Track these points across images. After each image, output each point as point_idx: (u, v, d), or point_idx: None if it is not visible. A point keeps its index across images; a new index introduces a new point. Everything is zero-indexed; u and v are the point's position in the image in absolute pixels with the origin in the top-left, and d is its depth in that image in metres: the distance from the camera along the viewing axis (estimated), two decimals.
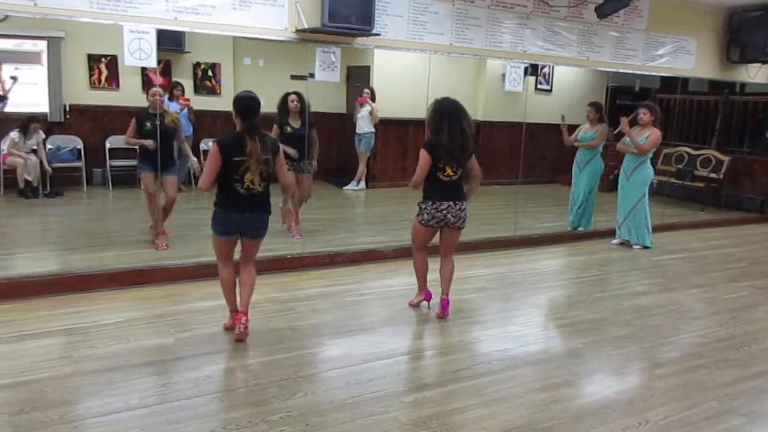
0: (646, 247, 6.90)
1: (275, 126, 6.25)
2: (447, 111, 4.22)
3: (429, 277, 4.67)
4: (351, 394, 3.33)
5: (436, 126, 4.20)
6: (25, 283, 4.59)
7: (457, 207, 4.32)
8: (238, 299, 3.99)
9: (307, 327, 4.28)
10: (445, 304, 4.49)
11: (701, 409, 3.36)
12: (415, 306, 4.66)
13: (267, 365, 3.62)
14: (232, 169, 3.67)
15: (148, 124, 5.75)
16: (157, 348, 3.79)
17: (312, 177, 6.55)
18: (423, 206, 4.37)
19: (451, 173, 4.26)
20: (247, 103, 3.75)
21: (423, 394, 3.40)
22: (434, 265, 4.59)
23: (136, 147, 5.84)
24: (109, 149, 8.39)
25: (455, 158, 4.21)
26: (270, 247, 5.84)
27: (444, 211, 4.30)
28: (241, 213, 3.78)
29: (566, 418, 3.19)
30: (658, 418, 3.24)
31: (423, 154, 4.26)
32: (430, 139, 4.27)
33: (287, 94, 6.31)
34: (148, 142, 5.70)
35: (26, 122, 7.78)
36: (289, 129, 6.26)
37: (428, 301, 4.67)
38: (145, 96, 6.37)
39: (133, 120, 5.79)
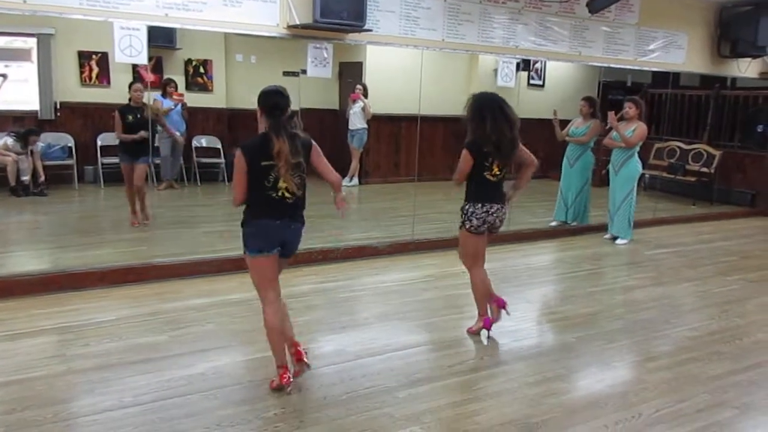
0: (627, 242, 6.91)
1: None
2: (489, 102, 3.82)
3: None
4: (345, 390, 3.34)
5: (479, 120, 3.78)
6: (17, 282, 4.57)
7: (503, 211, 3.97)
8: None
9: (301, 323, 4.27)
10: (500, 302, 4.11)
11: (693, 402, 3.38)
12: (474, 333, 4.14)
13: (260, 362, 3.61)
14: (262, 176, 3.14)
15: (130, 117, 6.19)
16: (150, 345, 3.79)
17: None
18: (471, 210, 3.91)
19: (497, 172, 3.89)
20: (274, 98, 3.23)
21: (417, 389, 3.41)
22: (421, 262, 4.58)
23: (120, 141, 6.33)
24: (101, 146, 8.34)
25: (504, 154, 3.84)
26: None
27: (494, 215, 3.92)
28: (282, 221, 3.22)
29: (559, 412, 3.21)
30: (651, 411, 3.26)
31: (465, 154, 3.85)
32: (474, 138, 3.84)
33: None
34: (142, 134, 6.18)
35: (25, 135, 7.79)
36: None
37: (488, 329, 4.10)
38: (136, 93, 6.46)
39: (117, 114, 6.07)
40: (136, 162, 6.29)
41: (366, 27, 5.45)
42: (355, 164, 9.58)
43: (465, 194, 3.98)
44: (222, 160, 8.87)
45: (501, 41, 6.53)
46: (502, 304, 4.10)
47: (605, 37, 7.20)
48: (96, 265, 4.97)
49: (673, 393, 3.47)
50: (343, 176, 9.53)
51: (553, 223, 7.47)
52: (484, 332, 4.11)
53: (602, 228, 7.24)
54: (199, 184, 8.81)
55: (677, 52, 7.82)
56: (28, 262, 5.41)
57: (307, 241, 5.91)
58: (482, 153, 3.83)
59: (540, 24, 6.72)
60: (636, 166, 6.77)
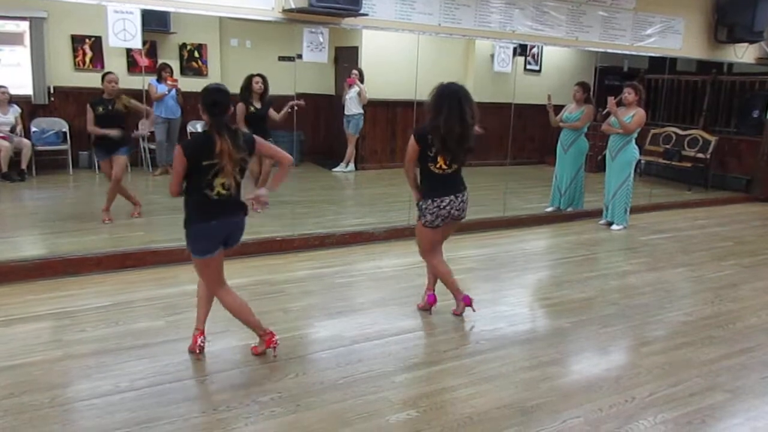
0: (623, 228, 6.93)
1: (240, 104, 6.56)
2: (449, 94, 3.78)
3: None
4: (342, 374, 3.36)
5: (434, 111, 3.78)
6: (12, 267, 4.57)
7: (459, 200, 3.97)
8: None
9: (298, 309, 4.29)
10: (468, 300, 4.17)
11: (686, 385, 3.42)
12: (458, 315, 4.22)
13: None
14: (202, 175, 3.16)
15: (101, 109, 5.91)
16: (147, 331, 3.79)
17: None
18: (423, 206, 3.97)
19: (444, 166, 3.87)
20: (213, 96, 3.20)
21: (413, 373, 3.43)
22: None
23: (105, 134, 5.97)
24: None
25: (449, 148, 3.80)
26: (260, 229, 5.85)
27: (447, 208, 3.94)
28: (220, 220, 3.27)
29: (554, 396, 3.23)
30: (645, 394, 3.29)
31: (411, 142, 3.90)
32: (423, 126, 3.88)
33: (252, 76, 6.64)
34: (114, 133, 5.89)
35: None
36: (252, 109, 6.61)
37: (470, 305, 4.18)
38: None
39: (89, 107, 5.93)
40: (115, 154, 6.00)
41: (362, 11, 5.42)
42: (351, 150, 9.56)
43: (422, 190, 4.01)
44: None
45: (498, 26, 6.50)
46: (468, 302, 4.16)
47: (602, 21, 7.17)
48: (92, 250, 4.97)
49: (667, 377, 3.50)
50: (339, 162, 9.55)
51: (549, 209, 7.48)
52: (467, 308, 4.19)
53: (597, 213, 7.26)
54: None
55: (674, 37, 7.80)
56: (23, 247, 5.39)
57: (304, 227, 5.96)
58: (427, 143, 3.83)
59: (537, 8, 6.69)
60: (633, 152, 6.78)
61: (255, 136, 3.38)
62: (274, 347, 3.49)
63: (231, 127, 3.22)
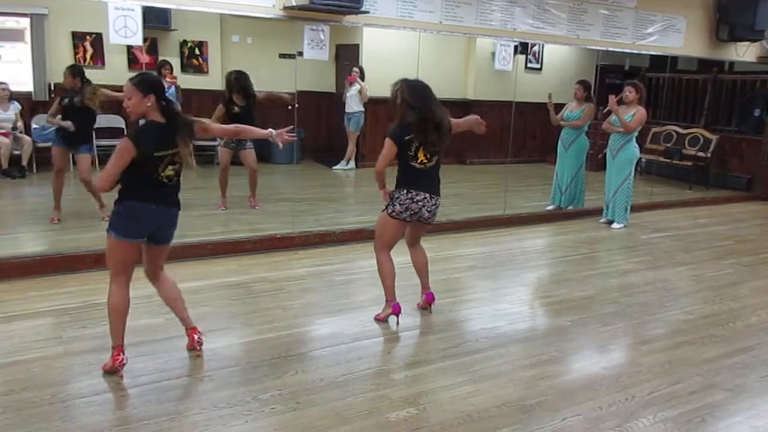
0: (623, 227, 6.92)
1: (220, 106, 6.49)
2: (418, 86, 3.84)
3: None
4: (341, 372, 3.36)
5: (407, 106, 3.77)
6: (13, 264, 4.57)
7: (433, 201, 3.92)
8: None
9: (298, 306, 4.29)
10: (429, 297, 4.18)
11: (686, 384, 3.42)
12: (382, 320, 4.05)
13: (257, 344, 3.63)
14: (152, 165, 3.06)
15: (66, 100, 5.75)
16: (147, 328, 3.79)
17: (254, 151, 6.71)
18: (396, 195, 3.88)
19: (424, 160, 3.83)
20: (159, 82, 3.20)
21: (413, 371, 3.43)
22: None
23: (55, 125, 5.85)
24: (95, 128, 8.27)
25: (431, 142, 3.79)
26: (260, 226, 5.85)
27: (420, 203, 3.86)
28: (159, 206, 3.14)
29: (554, 394, 3.24)
30: (644, 393, 3.29)
31: (387, 142, 3.83)
32: (396, 125, 3.83)
33: (230, 73, 6.56)
34: (66, 124, 5.71)
35: None
36: (236, 108, 6.43)
37: (397, 315, 4.02)
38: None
39: (57, 99, 5.83)
40: (77, 153, 5.85)
41: (363, 9, 5.40)
42: (351, 147, 9.55)
43: (396, 181, 3.94)
44: (218, 142, 8.81)
45: (499, 24, 6.49)
46: (397, 311, 4.01)
47: (603, 20, 7.16)
48: (92, 247, 4.96)
49: (667, 375, 3.50)
50: (340, 160, 9.54)
51: (549, 207, 7.48)
52: (393, 318, 4.04)
53: (598, 212, 7.26)
54: (194, 166, 8.76)
55: (675, 35, 7.79)
56: (23, 244, 5.40)
57: (304, 224, 5.96)
58: (405, 141, 3.80)
59: (538, 6, 6.68)
60: (634, 150, 6.77)
61: (193, 120, 3.28)
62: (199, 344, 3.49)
63: (184, 116, 3.20)
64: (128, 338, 3.61)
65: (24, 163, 7.74)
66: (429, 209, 3.92)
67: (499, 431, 2.89)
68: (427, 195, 3.89)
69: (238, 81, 6.46)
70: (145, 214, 3.12)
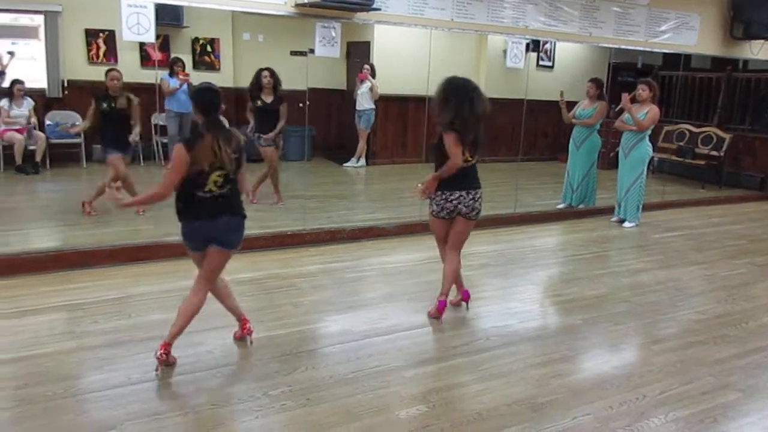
0: (634, 225, 6.88)
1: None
2: (465, 87, 3.82)
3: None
4: (351, 369, 3.36)
5: (457, 103, 3.76)
6: (26, 260, 4.61)
7: (470, 197, 3.94)
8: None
9: (308, 303, 4.30)
10: (441, 306, 4.07)
11: (698, 384, 3.40)
12: (455, 305, 4.24)
13: (268, 341, 3.65)
14: (199, 174, 3.12)
15: (105, 105, 5.81)
16: (159, 323, 3.80)
17: (276, 149, 6.81)
18: (433, 197, 3.98)
19: (469, 158, 3.90)
20: (207, 96, 3.22)
21: (423, 369, 3.43)
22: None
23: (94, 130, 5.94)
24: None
25: (476, 140, 3.86)
26: (271, 224, 5.87)
27: (454, 202, 3.92)
28: (205, 221, 3.22)
29: (565, 393, 3.23)
30: (656, 392, 3.27)
31: (453, 136, 3.78)
32: (450, 119, 3.78)
33: (261, 70, 6.67)
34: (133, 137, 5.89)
35: (9, 87, 7.78)
36: (260, 103, 6.64)
37: (466, 301, 4.23)
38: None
39: (93, 101, 5.86)
40: (127, 155, 6.02)
41: (374, 6, 5.40)
42: (362, 145, 9.55)
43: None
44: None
45: (511, 21, 6.47)
46: (466, 298, 4.24)
47: (616, 17, 7.11)
48: (105, 243, 5.00)
49: (679, 375, 3.49)
50: (350, 157, 9.55)
51: (560, 206, 7.45)
52: (463, 304, 4.27)
53: (609, 211, 7.22)
54: None
55: (689, 33, 7.72)
56: (37, 239, 5.44)
57: (315, 221, 5.97)
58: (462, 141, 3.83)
59: (550, 4, 6.64)
60: (646, 149, 6.72)
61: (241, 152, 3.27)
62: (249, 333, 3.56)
63: (224, 127, 3.24)
64: (139, 333, 3.66)
65: (38, 159, 7.80)
66: (466, 204, 3.95)
67: (510, 429, 2.88)
68: (462, 192, 3.93)
69: (274, 77, 6.65)
70: (193, 232, 3.28)
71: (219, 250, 3.27)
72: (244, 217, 3.34)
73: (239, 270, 4.84)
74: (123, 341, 3.56)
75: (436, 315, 4.09)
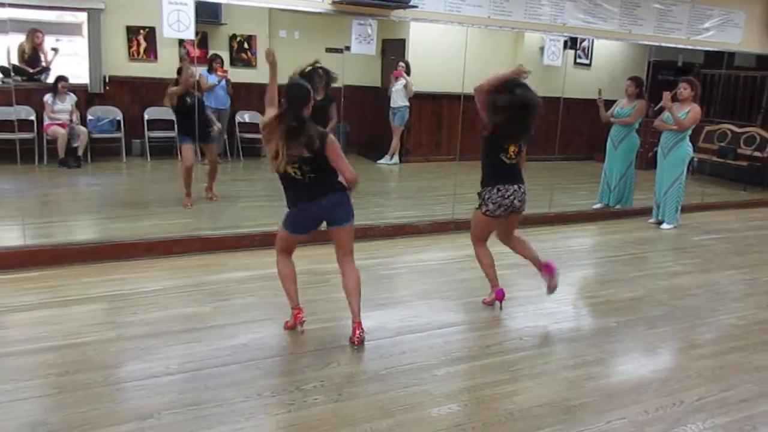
0: (673, 227, 6.74)
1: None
2: (529, 106, 3.80)
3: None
4: (384, 366, 3.38)
5: (513, 119, 3.79)
6: (69, 250, 4.74)
7: (522, 190, 4.01)
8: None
9: (342, 299, 4.31)
10: (500, 294, 4.19)
11: (738, 391, 3.32)
12: (488, 304, 4.29)
13: (301, 335, 3.68)
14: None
15: (188, 99, 6.11)
16: (195, 316, 3.89)
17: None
18: (487, 195, 3.95)
19: (512, 154, 3.94)
20: (292, 91, 3.48)
21: (455, 367, 3.43)
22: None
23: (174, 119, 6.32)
24: (148, 120, 8.53)
25: (520, 138, 3.94)
26: None
27: (511, 197, 3.94)
28: (300, 206, 3.56)
29: (598, 396, 3.19)
30: (693, 398, 3.21)
31: (489, 127, 3.87)
32: (496, 123, 3.83)
33: (318, 68, 6.62)
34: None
35: (54, 83, 8.02)
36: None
37: (500, 300, 4.22)
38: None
39: (174, 100, 6.19)
40: (207, 143, 6.49)
41: (411, 3, 5.40)
42: (396, 142, 9.56)
43: (481, 178, 4.02)
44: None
45: (548, 18, 6.39)
46: (500, 297, 4.20)
47: (657, 14, 6.97)
48: (143, 236, 5.11)
49: (717, 381, 3.41)
50: (384, 154, 9.57)
51: (597, 206, 7.34)
52: (497, 303, 4.23)
53: (646, 212, 7.09)
54: (241, 158, 8.95)
55: (733, 30, 7.52)
56: (79, 231, 5.59)
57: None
58: (502, 134, 3.88)
59: (589, 1, 6.54)
60: (687, 149, 6.58)
61: (330, 137, 3.53)
62: (301, 323, 3.67)
63: (301, 123, 3.41)
64: (176, 325, 3.73)
65: (80, 153, 8.00)
66: (519, 198, 4.00)
67: (541, 431, 2.86)
68: (515, 186, 3.98)
69: (327, 75, 6.63)
70: (293, 214, 3.63)
71: (334, 229, 3.64)
72: (342, 190, 3.59)
73: (273, 264, 4.86)
74: (161, 332, 3.63)
75: (492, 302, 4.25)
